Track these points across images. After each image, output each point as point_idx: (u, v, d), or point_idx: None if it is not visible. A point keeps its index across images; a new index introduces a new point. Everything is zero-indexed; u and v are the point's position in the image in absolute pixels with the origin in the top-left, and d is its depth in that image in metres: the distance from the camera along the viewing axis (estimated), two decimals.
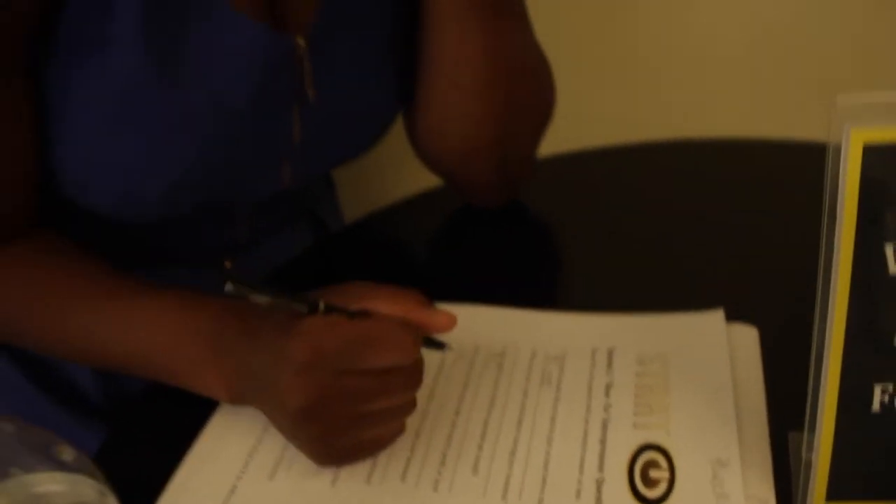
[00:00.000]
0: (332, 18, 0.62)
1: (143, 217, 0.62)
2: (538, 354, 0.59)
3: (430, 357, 0.59)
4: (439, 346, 0.54)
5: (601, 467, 0.50)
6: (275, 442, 0.53)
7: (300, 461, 0.51)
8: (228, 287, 0.47)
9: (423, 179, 0.77)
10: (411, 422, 0.54)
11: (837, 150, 0.40)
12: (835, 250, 0.41)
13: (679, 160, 0.83)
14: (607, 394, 0.55)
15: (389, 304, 0.51)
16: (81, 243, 0.63)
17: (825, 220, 0.41)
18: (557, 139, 0.78)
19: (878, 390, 0.44)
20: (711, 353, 0.57)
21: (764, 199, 0.75)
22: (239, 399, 0.54)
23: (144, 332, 0.56)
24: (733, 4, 1.09)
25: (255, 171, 0.65)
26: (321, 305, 0.49)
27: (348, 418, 0.49)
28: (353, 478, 0.51)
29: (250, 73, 0.58)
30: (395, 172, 0.90)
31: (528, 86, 0.69)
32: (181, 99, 0.56)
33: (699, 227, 0.73)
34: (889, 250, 0.41)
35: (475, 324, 0.62)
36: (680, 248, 0.71)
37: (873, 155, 0.39)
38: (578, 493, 0.49)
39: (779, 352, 0.57)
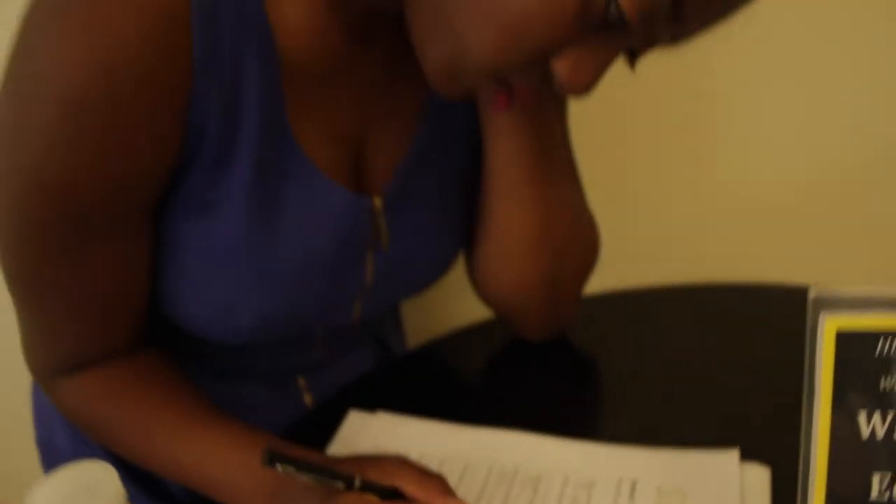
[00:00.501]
0: (405, 182, 0.72)
1: (233, 340, 0.72)
2: (570, 481, 0.67)
3: (473, 476, 0.68)
4: None
5: None
6: None
7: None
8: (278, 468, 0.55)
9: (480, 309, 0.86)
10: None
11: (814, 334, 0.48)
12: (814, 418, 0.48)
13: (705, 302, 0.90)
14: None
15: (417, 488, 0.59)
16: (176, 356, 0.73)
17: (805, 391, 0.48)
18: (600, 279, 0.87)
19: None
20: (725, 490, 0.64)
21: (785, 344, 0.82)
22: None
23: (217, 465, 0.65)
24: (762, 160, 1.19)
25: (330, 309, 0.74)
26: (357, 482, 0.58)
27: None
28: None
29: (334, 228, 0.68)
30: (456, 303, 0.99)
31: (575, 243, 0.78)
32: (274, 251, 0.66)
33: (721, 367, 0.80)
34: (861, 418, 0.48)
35: (516, 449, 0.70)
36: (703, 387, 0.78)
37: (844, 339, 0.47)
38: None
39: (791, 488, 0.63)
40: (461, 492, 0.64)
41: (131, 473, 0.81)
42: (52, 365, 0.70)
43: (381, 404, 0.77)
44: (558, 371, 0.83)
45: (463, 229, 0.79)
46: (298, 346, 0.81)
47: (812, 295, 0.47)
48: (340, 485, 0.57)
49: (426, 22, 0.57)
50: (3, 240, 0.63)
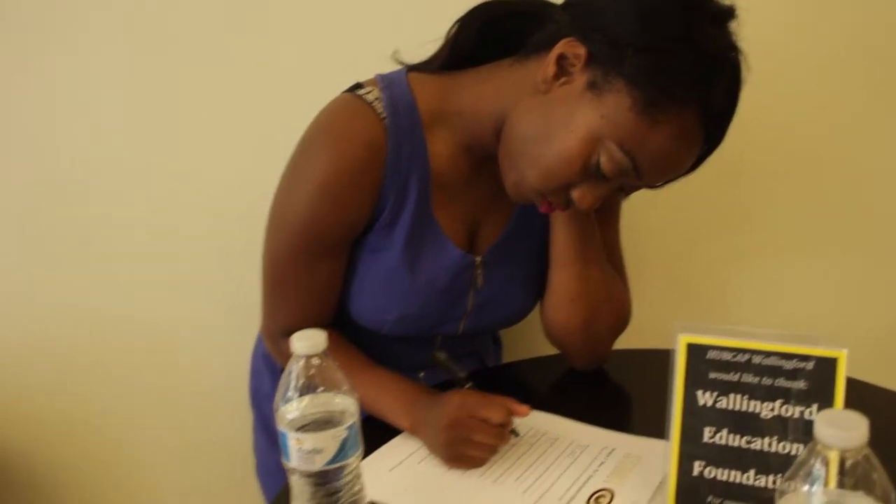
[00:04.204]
0: (498, 249, 1.18)
1: (381, 328, 1.18)
2: (573, 443, 1.08)
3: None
4: (515, 434, 1.07)
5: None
6: (425, 452, 1.07)
7: (434, 461, 1.05)
8: (441, 355, 1.10)
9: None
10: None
11: (675, 344, 0.89)
12: (674, 395, 0.89)
13: None
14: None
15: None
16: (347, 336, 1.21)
17: (670, 381, 0.89)
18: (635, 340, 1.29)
19: (696, 465, 0.89)
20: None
21: None
22: (413, 431, 1.09)
23: (377, 388, 1.12)
24: None
25: (444, 322, 1.20)
26: (469, 384, 1.07)
27: (466, 439, 1.01)
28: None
29: (450, 271, 1.15)
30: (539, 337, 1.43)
31: (605, 305, 1.20)
32: (412, 281, 1.13)
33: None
34: (699, 393, 0.88)
35: (551, 424, 1.12)
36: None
37: (691, 348, 0.88)
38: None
39: None
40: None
41: None
42: (277, 330, 1.19)
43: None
44: (593, 388, 1.25)
45: (537, 286, 1.24)
46: (423, 348, 1.27)
47: (675, 325, 0.89)
48: (462, 375, 1.10)
49: (505, 163, 1.05)
50: (269, 256, 1.15)
